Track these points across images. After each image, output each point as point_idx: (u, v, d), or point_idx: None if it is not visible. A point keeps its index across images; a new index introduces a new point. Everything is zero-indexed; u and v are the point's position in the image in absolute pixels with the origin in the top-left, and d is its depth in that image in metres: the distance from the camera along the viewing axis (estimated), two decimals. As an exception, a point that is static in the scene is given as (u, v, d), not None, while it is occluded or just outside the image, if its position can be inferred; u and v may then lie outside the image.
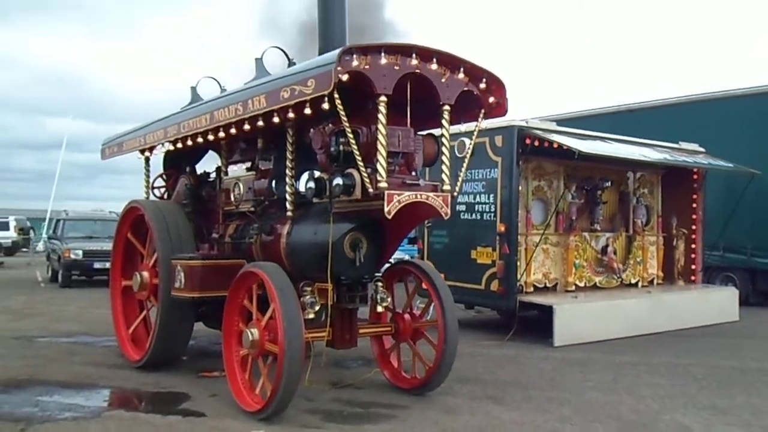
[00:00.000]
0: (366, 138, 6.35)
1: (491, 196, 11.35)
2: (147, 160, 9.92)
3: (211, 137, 7.87)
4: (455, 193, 6.69)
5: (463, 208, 11.69)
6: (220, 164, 8.98)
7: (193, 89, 8.81)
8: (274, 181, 7.69)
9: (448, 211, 6.47)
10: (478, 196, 11.52)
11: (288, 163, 7.30)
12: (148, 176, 9.99)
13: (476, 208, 11.56)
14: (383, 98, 6.03)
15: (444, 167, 6.55)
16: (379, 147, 6.03)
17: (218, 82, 8.74)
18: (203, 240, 8.68)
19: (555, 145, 10.77)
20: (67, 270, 19.37)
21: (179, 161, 9.68)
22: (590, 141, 11.71)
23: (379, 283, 7.35)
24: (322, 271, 6.60)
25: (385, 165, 6.04)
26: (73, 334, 11.41)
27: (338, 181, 6.29)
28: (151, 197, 9.89)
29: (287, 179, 7.32)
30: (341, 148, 6.31)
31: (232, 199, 8.40)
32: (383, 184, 6.03)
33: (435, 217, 6.66)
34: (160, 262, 8.26)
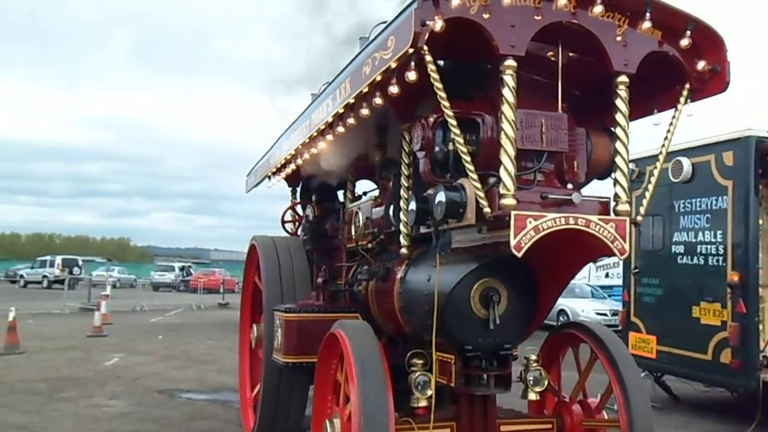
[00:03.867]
0: (490, 131, 3.92)
1: (719, 233, 8.10)
2: (292, 189, 8.15)
3: (314, 150, 5.80)
4: (639, 218, 3.98)
5: (680, 249, 8.56)
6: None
7: (314, 96, 6.79)
8: (391, 207, 5.41)
9: (625, 247, 3.77)
10: (700, 234, 8.32)
11: (403, 181, 4.99)
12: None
13: (698, 250, 8.35)
14: (510, 62, 3.58)
15: (619, 175, 3.88)
16: (503, 140, 3.57)
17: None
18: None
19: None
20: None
21: (315, 189, 7.76)
22: None
23: (532, 357, 4.76)
24: (443, 334, 4.22)
25: (512, 169, 3.56)
26: (221, 389, 9.96)
27: (440, 197, 3.88)
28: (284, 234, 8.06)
29: (401, 203, 5.01)
30: (451, 147, 3.92)
31: (353, 233, 6.24)
32: (509, 201, 3.53)
33: (607, 255, 3.97)
34: (265, 313, 6.34)
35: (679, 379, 9.23)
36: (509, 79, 3.59)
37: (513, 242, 3.53)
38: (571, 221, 3.65)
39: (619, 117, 3.86)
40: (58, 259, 42.72)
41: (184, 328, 19.44)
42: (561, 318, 19.58)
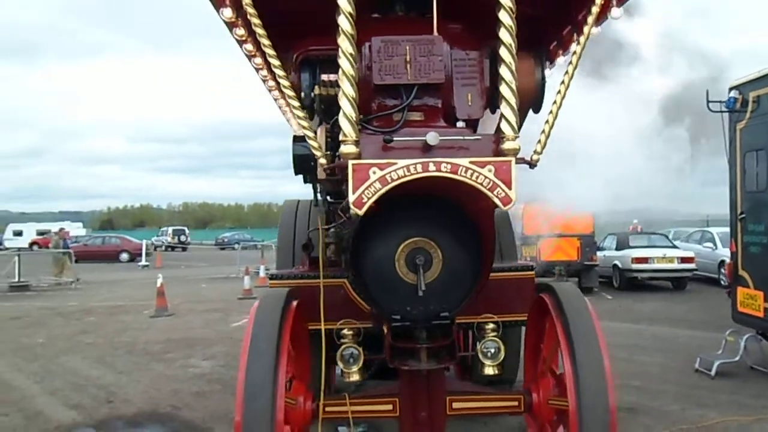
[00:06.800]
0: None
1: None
2: None
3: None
4: (535, 157, 3.11)
5: (785, 188, 6.94)
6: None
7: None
8: None
9: (510, 195, 2.94)
10: (804, 169, 6.68)
11: None
12: None
13: (803, 189, 6.72)
14: None
15: (504, 106, 3.00)
16: (340, 78, 2.90)
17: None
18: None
19: None
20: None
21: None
22: None
23: (489, 326, 4.03)
24: (370, 303, 3.71)
25: (352, 112, 2.87)
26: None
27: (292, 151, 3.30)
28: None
29: None
30: (317, 91, 3.30)
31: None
32: (347, 149, 2.87)
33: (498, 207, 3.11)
34: (275, 280, 6.04)
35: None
36: (344, 1, 2.88)
37: (352, 198, 2.88)
38: (431, 167, 2.90)
39: (502, 33, 2.98)
40: (170, 230, 54.32)
41: (334, 288, 19.81)
42: (721, 270, 17.26)
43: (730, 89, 7.85)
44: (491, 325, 4.06)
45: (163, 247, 49.56)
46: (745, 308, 7.60)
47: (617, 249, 17.66)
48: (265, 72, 4.07)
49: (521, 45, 3.43)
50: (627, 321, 11.78)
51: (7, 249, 38.57)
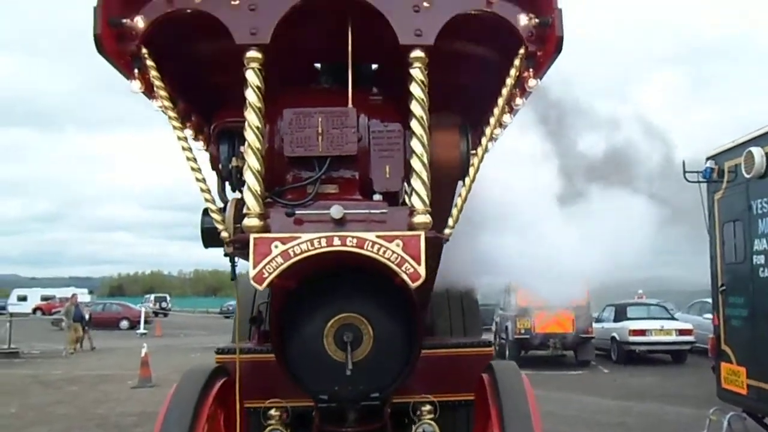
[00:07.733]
0: (268, 141, 3.15)
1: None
2: None
3: None
4: (447, 232, 3.01)
5: (761, 260, 6.78)
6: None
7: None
8: None
9: (419, 271, 2.81)
10: (781, 241, 6.52)
11: None
12: None
13: (781, 261, 6.54)
14: (254, 54, 2.84)
15: (415, 179, 2.90)
16: (246, 151, 2.84)
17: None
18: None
19: None
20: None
21: None
22: None
23: (425, 407, 3.83)
24: (295, 381, 3.47)
25: (256, 185, 2.80)
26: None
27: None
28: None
29: None
30: (234, 163, 3.23)
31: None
32: (250, 222, 2.78)
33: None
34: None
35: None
36: (252, 75, 2.83)
37: (252, 273, 2.76)
38: (336, 242, 2.78)
39: (414, 106, 2.89)
40: (152, 297, 57.78)
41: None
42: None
43: (707, 159, 7.78)
44: (428, 407, 3.85)
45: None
46: (729, 384, 7.31)
47: (615, 320, 17.30)
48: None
49: (447, 116, 3.40)
50: (617, 397, 11.40)
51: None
